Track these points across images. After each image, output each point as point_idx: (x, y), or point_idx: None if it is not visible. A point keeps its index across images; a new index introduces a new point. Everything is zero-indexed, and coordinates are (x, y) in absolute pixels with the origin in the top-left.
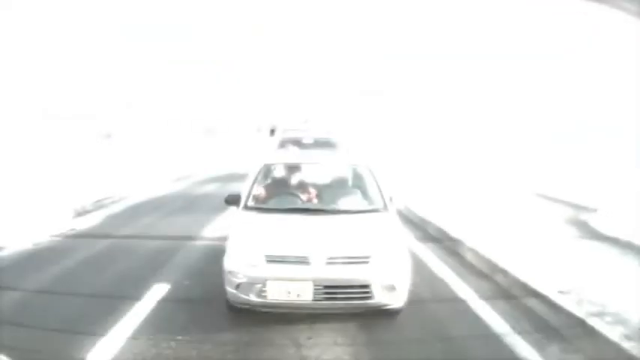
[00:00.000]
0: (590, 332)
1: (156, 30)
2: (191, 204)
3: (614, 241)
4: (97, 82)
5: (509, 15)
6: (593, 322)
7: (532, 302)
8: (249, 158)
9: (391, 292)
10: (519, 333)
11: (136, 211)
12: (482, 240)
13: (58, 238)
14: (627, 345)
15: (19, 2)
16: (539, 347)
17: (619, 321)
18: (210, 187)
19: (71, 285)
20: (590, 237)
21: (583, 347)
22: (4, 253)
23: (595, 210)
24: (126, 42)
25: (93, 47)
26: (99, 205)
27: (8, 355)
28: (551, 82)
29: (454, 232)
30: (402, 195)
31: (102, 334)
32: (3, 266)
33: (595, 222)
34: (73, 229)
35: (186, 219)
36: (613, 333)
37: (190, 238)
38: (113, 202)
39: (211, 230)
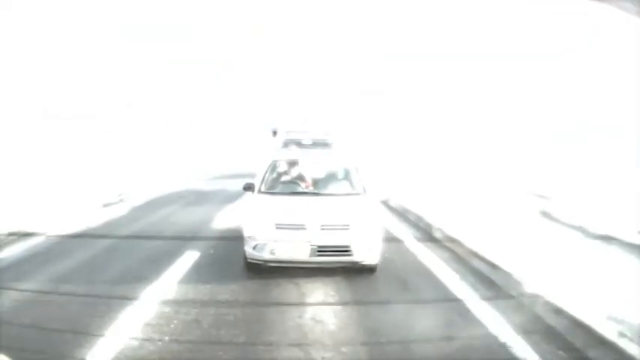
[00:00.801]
0: (513, 281)
1: (156, 30)
2: (202, 198)
3: (569, 225)
4: (97, 82)
5: (509, 15)
6: (514, 273)
7: (478, 263)
8: (251, 160)
9: (366, 251)
10: (461, 279)
11: (155, 203)
12: (451, 223)
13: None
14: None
15: (19, 2)
16: (474, 287)
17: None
18: (217, 185)
19: (124, 253)
20: (549, 222)
21: (501, 285)
22: (57, 233)
23: (549, 198)
24: (126, 42)
25: (93, 47)
26: (120, 199)
27: (7, 353)
28: (551, 82)
29: (430, 219)
30: (390, 191)
31: (155, 280)
32: (62, 240)
33: (558, 212)
34: (103, 217)
35: (200, 209)
36: (531, 285)
37: (207, 222)
38: (132, 197)
39: (223, 216)
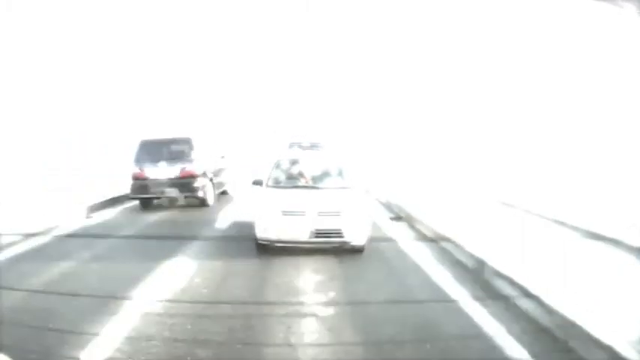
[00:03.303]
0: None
1: (155, 30)
2: None
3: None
4: (96, 83)
5: (508, 15)
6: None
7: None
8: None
9: (354, 234)
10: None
11: None
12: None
13: None
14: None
15: (19, 3)
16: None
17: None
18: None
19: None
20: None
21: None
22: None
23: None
24: (125, 42)
25: (93, 48)
26: None
27: (8, 354)
28: (551, 82)
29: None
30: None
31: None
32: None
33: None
34: None
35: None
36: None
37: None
38: None
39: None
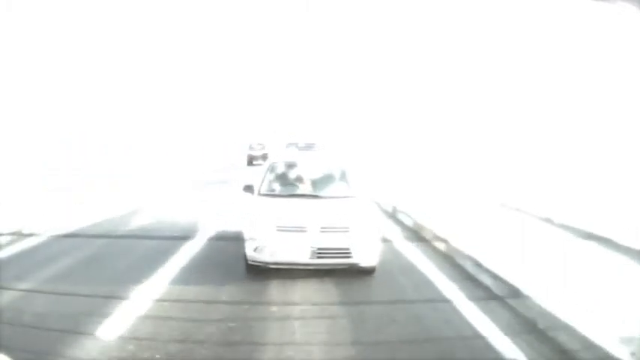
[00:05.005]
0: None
1: (155, 30)
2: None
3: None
4: (97, 83)
5: (508, 14)
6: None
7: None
8: None
9: (365, 253)
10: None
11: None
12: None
13: None
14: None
15: (19, 3)
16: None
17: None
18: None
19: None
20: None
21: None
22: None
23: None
24: (125, 42)
25: (93, 49)
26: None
27: (8, 353)
28: (550, 82)
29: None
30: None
31: None
32: None
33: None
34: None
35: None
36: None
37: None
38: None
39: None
